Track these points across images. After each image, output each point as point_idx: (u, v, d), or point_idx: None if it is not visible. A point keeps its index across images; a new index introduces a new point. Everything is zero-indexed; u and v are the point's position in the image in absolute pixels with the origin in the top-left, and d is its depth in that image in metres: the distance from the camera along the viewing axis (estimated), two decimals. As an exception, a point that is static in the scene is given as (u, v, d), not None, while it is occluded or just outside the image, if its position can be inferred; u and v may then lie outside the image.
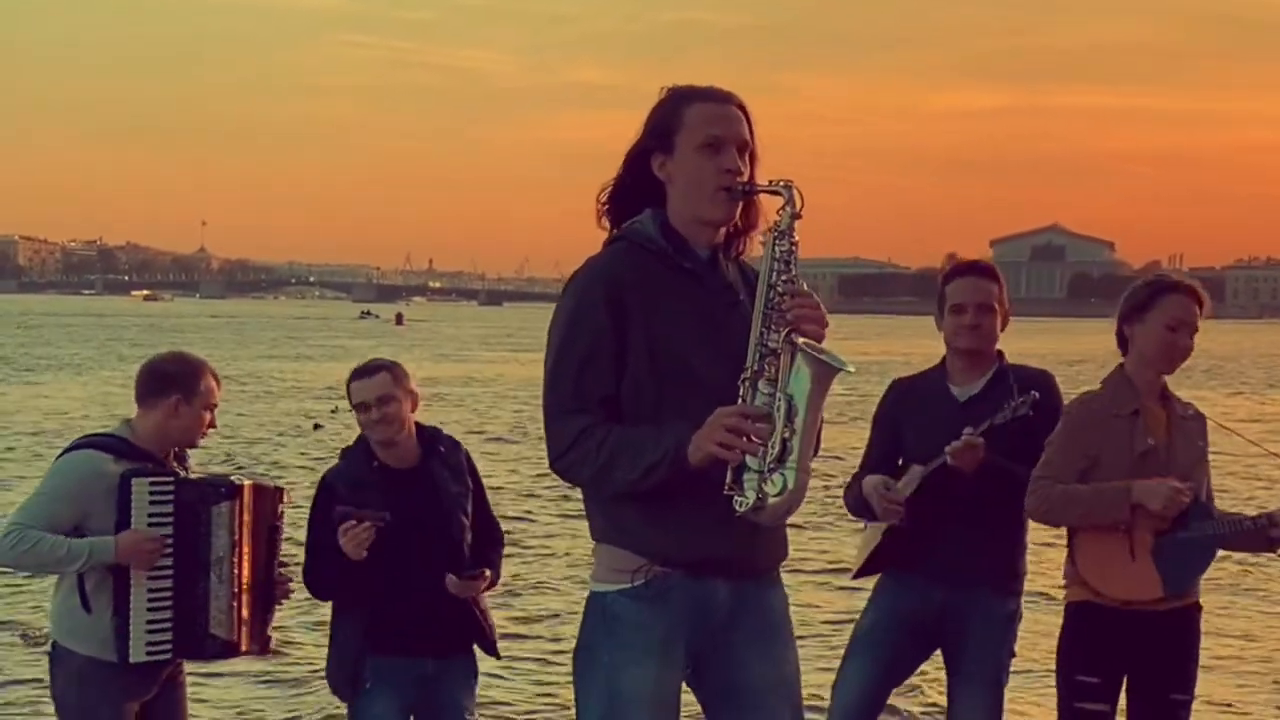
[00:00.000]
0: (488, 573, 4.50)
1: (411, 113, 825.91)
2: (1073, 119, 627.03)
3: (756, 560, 3.27)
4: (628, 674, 3.21)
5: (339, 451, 4.69)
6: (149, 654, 4.25)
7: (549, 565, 11.80)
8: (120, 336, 62.02)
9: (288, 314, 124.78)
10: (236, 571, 4.34)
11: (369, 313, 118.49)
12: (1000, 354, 4.67)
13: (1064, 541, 4.41)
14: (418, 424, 4.57)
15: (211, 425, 4.45)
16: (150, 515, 4.22)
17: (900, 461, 4.66)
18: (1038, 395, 4.38)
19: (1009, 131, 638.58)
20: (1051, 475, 4.22)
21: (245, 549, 4.36)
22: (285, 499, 4.56)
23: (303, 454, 19.46)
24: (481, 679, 4.73)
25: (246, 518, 4.36)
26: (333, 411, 24.73)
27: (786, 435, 3.05)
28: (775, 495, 3.05)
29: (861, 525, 4.88)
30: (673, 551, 3.19)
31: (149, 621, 4.24)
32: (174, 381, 4.36)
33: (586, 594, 3.33)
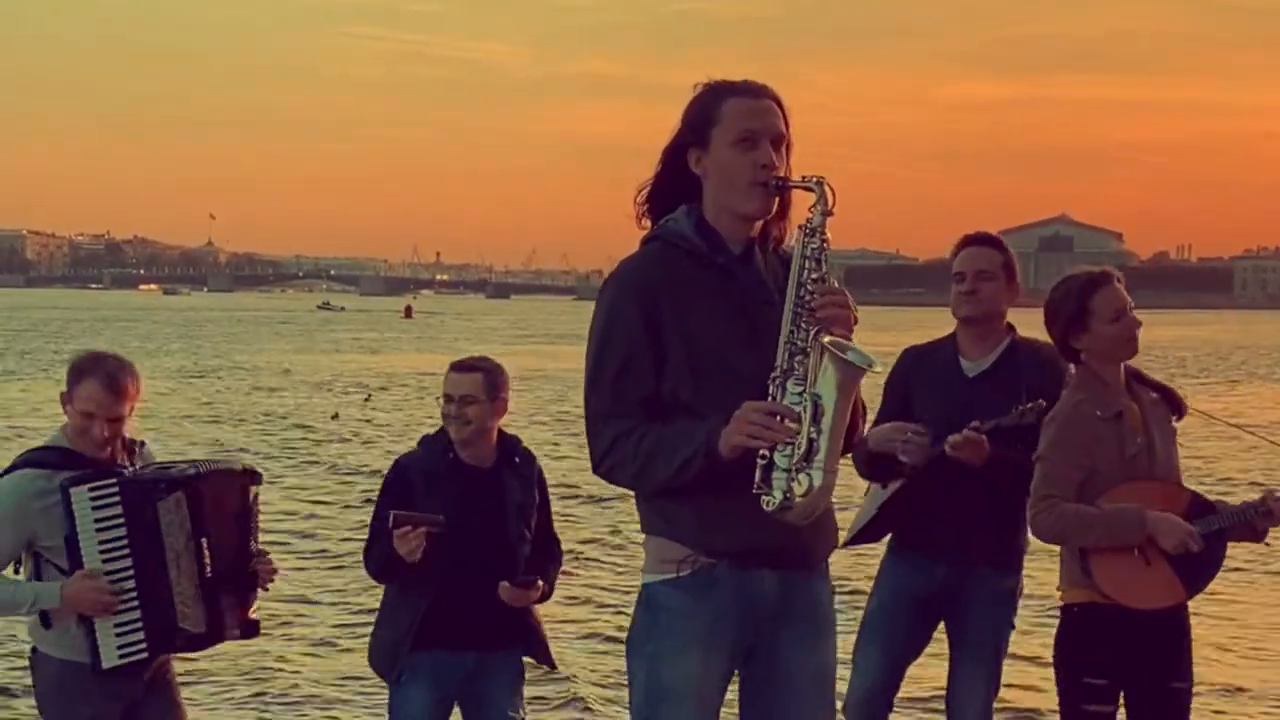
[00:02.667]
0: (541, 583, 4.52)
1: (418, 104, 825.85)
2: (1080, 109, 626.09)
3: (804, 552, 3.28)
4: (669, 664, 3.24)
5: (419, 440, 4.72)
6: (122, 657, 4.23)
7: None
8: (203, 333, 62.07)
9: (248, 307, 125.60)
10: (197, 563, 4.29)
11: (328, 304, 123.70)
12: (1010, 327, 4.66)
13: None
14: (501, 431, 4.61)
15: (99, 439, 4.22)
16: (97, 521, 4.18)
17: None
18: (1044, 403, 4.34)
19: (1016, 122, 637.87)
20: (1057, 494, 4.17)
21: (206, 539, 4.31)
22: (256, 480, 4.51)
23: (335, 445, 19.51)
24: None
25: (204, 507, 4.31)
26: (365, 400, 25.62)
27: (813, 435, 3.08)
28: (802, 494, 3.08)
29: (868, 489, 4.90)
30: (718, 542, 3.21)
31: (117, 625, 4.21)
32: (67, 381, 4.30)
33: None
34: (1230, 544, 4.31)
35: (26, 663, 4.52)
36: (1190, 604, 4.33)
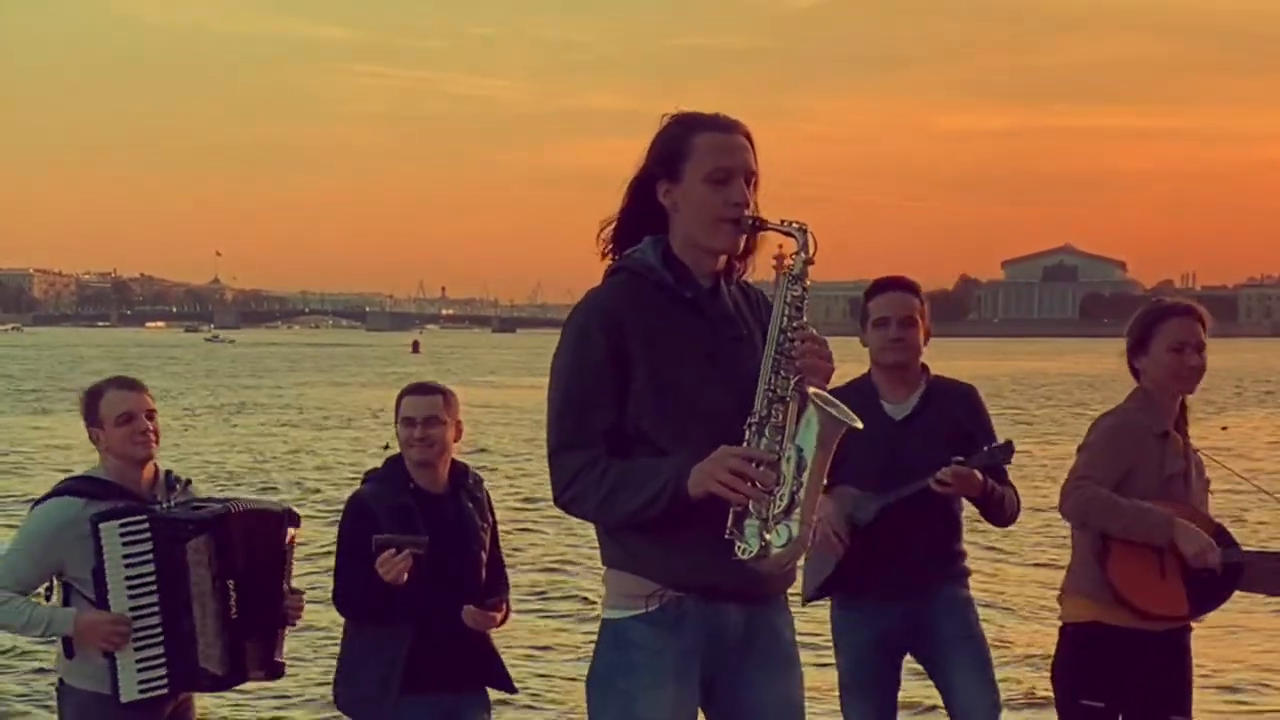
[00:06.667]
0: (504, 605, 4.52)
1: (423, 140, 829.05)
2: (1084, 138, 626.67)
3: (767, 585, 3.26)
4: (644, 699, 3.21)
5: (362, 475, 4.67)
6: (142, 691, 4.25)
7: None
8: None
9: (159, 341, 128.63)
10: (222, 604, 4.29)
11: (216, 337, 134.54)
12: (925, 368, 4.74)
13: (1061, 563, 4.43)
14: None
15: (143, 434, 4.29)
16: (125, 557, 4.19)
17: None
18: (1012, 441, 4.50)
19: (1019, 151, 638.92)
20: (1095, 478, 4.20)
21: (233, 580, 4.31)
22: (294, 522, 4.51)
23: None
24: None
25: (233, 549, 4.30)
26: (384, 448, 25.71)
27: (795, 488, 3.06)
28: (779, 546, 3.07)
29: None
30: (685, 577, 3.19)
31: (140, 660, 4.23)
32: (85, 415, 4.34)
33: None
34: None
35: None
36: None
